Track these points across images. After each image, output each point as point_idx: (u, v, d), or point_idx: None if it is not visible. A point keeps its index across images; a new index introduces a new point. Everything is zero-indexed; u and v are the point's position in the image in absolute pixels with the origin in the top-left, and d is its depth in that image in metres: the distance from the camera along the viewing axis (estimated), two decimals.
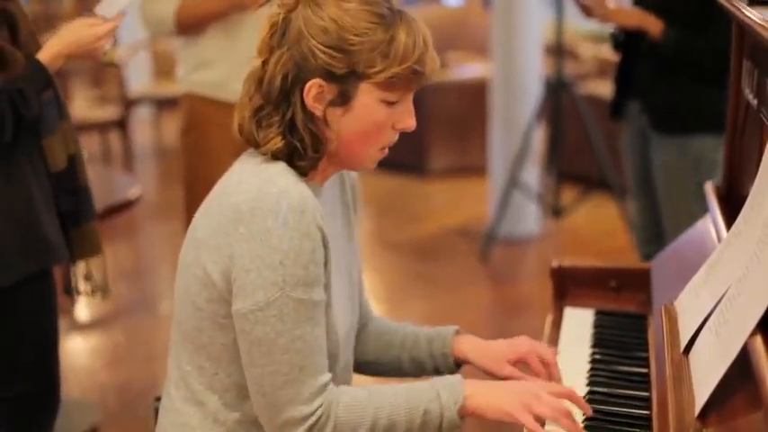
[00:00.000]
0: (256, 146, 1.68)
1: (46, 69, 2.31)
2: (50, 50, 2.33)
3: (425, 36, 1.64)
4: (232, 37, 3.21)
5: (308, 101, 1.63)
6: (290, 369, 1.58)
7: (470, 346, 1.92)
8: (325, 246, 1.61)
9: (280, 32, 1.64)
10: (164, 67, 8.04)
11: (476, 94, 6.94)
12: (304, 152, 1.64)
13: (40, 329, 2.43)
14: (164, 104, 7.97)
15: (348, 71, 1.61)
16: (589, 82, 6.79)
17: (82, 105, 7.72)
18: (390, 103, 1.64)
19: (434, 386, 1.67)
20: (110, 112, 7.34)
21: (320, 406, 1.60)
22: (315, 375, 1.60)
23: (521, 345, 1.89)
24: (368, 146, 1.68)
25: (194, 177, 3.34)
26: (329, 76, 1.61)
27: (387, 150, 1.72)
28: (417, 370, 1.95)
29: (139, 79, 8.41)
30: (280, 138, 1.64)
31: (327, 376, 1.63)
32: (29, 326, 2.40)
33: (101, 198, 3.55)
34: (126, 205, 3.61)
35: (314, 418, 1.60)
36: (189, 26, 3.27)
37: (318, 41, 1.60)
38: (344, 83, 1.61)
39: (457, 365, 1.93)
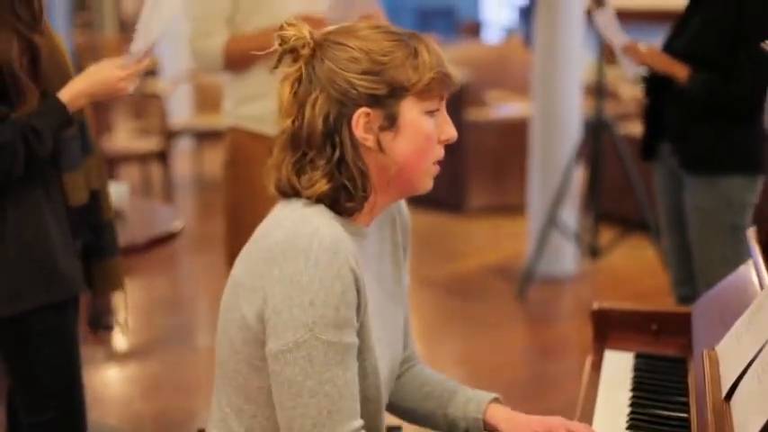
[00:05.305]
0: (297, 194, 1.68)
1: (64, 107, 2.31)
2: (73, 89, 2.34)
3: (436, 48, 1.71)
4: (278, 71, 3.23)
5: (359, 133, 1.65)
6: (317, 412, 1.57)
7: (505, 416, 1.87)
8: (359, 290, 1.60)
9: (306, 83, 1.68)
10: (205, 100, 8.12)
11: (515, 132, 6.95)
12: (354, 191, 1.65)
13: (59, 359, 2.43)
14: (204, 137, 8.04)
15: (389, 90, 1.65)
16: (629, 123, 6.77)
17: (123, 136, 7.82)
18: (432, 113, 1.69)
19: None
20: (151, 144, 7.42)
21: None
22: (344, 421, 1.58)
23: (553, 419, 1.83)
24: (424, 162, 1.70)
25: (236, 210, 3.36)
26: (373, 100, 1.65)
27: (438, 167, 1.74)
28: (449, 426, 1.91)
29: (181, 111, 8.50)
30: (325, 180, 1.65)
31: (359, 422, 1.61)
32: (47, 355, 2.40)
33: (143, 230, 3.58)
34: (168, 238, 3.62)
35: None
36: (237, 62, 3.29)
37: (353, 72, 1.64)
38: (388, 104, 1.65)
39: None
